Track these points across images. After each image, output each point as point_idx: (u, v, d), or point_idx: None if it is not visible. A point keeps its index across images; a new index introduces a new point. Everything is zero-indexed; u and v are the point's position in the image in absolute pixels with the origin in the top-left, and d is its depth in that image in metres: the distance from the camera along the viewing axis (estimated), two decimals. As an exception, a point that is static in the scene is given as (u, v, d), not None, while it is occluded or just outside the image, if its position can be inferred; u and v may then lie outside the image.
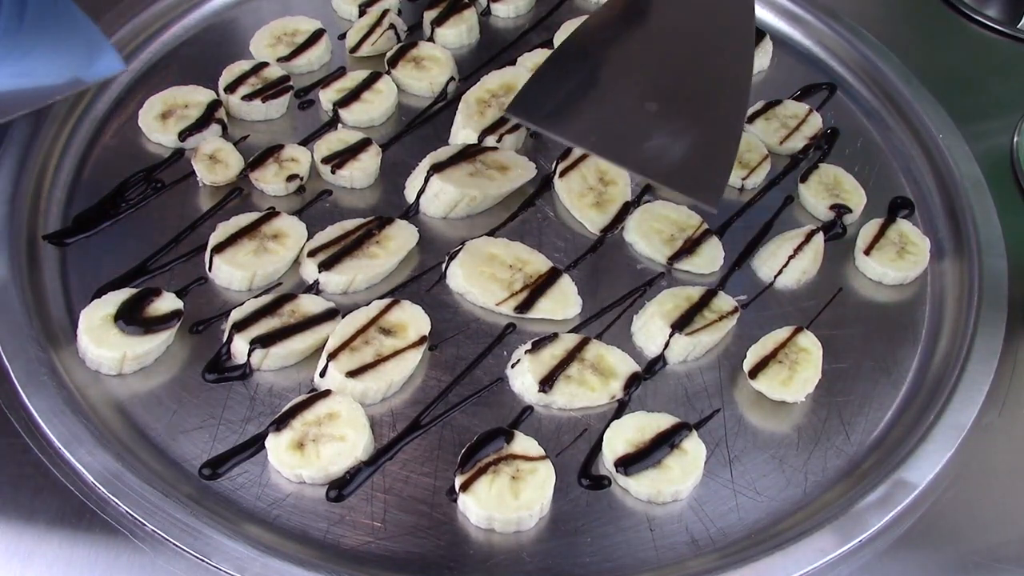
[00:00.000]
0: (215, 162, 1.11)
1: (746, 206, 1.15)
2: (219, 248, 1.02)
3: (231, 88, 1.18)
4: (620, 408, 0.96)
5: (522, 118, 0.96)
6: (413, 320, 0.98)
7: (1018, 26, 1.53)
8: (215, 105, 1.16)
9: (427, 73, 1.23)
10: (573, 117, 0.95)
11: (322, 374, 0.95)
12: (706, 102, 0.96)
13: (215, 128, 1.15)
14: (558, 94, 0.96)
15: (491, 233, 1.09)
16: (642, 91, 0.96)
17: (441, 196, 1.09)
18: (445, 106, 1.23)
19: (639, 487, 0.90)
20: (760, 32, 1.32)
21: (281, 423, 0.90)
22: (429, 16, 1.30)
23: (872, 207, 1.15)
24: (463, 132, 1.17)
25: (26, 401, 0.90)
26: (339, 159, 1.12)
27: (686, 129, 0.93)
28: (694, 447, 0.91)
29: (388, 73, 1.23)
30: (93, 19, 1.04)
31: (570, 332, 1.00)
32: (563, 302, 1.03)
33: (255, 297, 0.99)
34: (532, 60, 1.26)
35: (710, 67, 0.99)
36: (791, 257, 1.07)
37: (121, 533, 0.84)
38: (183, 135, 1.14)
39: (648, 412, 0.94)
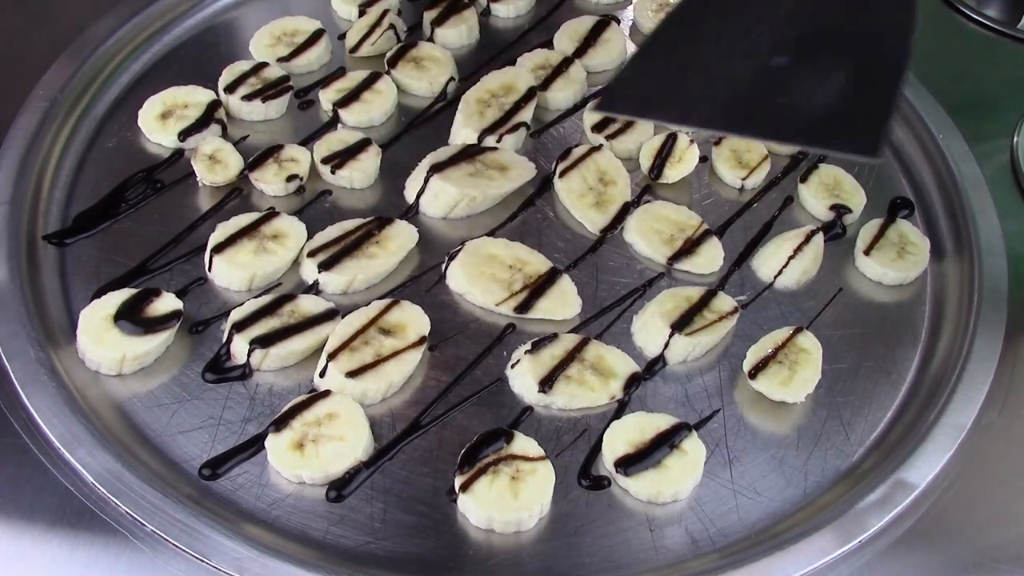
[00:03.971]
0: (215, 162, 1.11)
1: (746, 206, 1.15)
2: (219, 248, 1.02)
3: (231, 88, 1.18)
4: (620, 408, 0.96)
5: (614, 111, 0.83)
6: (413, 320, 0.98)
7: (1018, 26, 1.53)
8: (215, 105, 1.16)
9: (427, 73, 1.23)
10: (675, 96, 0.78)
11: (322, 374, 0.95)
12: (851, 45, 0.78)
13: (215, 128, 1.15)
14: (657, 75, 0.79)
15: (491, 233, 1.09)
16: (766, 46, 0.78)
17: (441, 196, 1.09)
18: (445, 106, 1.23)
19: (639, 487, 0.90)
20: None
21: (281, 423, 0.90)
22: (429, 16, 1.30)
23: (872, 207, 1.15)
24: (463, 132, 1.17)
25: (26, 401, 0.90)
26: (339, 159, 1.12)
27: (827, 75, 0.76)
28: (694, 447, 0.91)
29: (388, 73, 1.23)
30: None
31: (570, 332, 1.00)
32: (563, 302, 1.03)
33: (255, 297, 0.99)
34: (532, 60, 1.25)
35: (853, 15, 0.81)
36: (791, 257, 1.07)
37: (121, 533, 0.84)
38: (183, 135, 1.14)
39: (648, 412, 0.94)
